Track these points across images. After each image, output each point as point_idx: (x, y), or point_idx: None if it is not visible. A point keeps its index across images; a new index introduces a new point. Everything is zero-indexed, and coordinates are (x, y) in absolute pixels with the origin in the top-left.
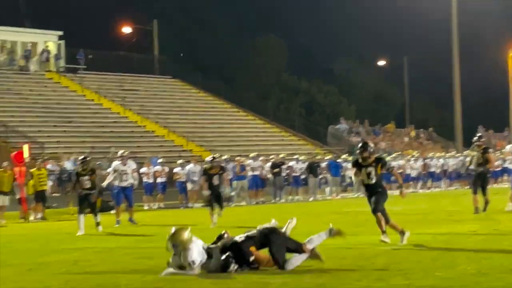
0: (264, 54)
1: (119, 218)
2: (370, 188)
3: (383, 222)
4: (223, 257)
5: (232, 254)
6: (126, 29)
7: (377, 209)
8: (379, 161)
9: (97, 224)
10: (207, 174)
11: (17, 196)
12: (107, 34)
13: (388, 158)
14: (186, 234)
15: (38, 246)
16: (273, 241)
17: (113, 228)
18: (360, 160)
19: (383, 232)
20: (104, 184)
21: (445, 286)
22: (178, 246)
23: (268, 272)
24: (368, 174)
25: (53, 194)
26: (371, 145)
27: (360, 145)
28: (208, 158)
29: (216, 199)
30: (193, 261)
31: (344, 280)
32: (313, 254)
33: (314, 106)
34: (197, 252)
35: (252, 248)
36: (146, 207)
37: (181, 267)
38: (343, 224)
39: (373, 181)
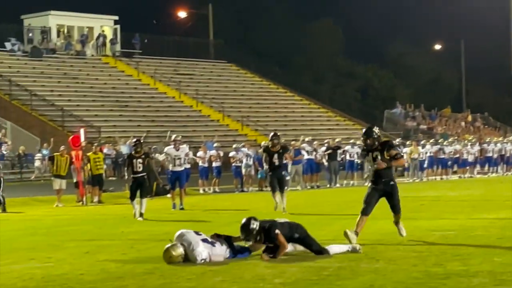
0: (319, 38)
1: (175, 202)
2: (377, 176)
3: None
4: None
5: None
6: (182, 14)
7: (398, 209)
8: (385, 145)
9: (140, 214)
10: (267, 151)
11: (74, 180)
12: (163, 19)
13: (445, 143)
14: (173, 252)
15: (95, 229)
16: (302, 232)
17: (170, 212)
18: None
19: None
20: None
21: (503, 271)
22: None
23: (322, 257)
24: (375, 159)
25: (109, 178)
26: (376, 130)
27: (364, 131)
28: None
29: (277, 181)
30: (202, 259)
31: (401, 266)
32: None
33: (369, 90)
34: (201, 248)
35: (279, 233)
36: (201, 191)
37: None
38: None
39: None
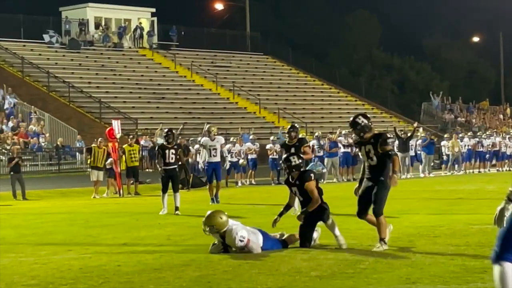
0: (356, 30)
1: (213, 196)
2: (371, 172)
3: (383, 228)
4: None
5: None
6: (218, 6)
7: (379, 211)
8: (379, 138)
9: (176, 208)
10: (284, 147)
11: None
12: (200, 11)
13: (483, 136)
14: (221, 217)
15: (132, 221)
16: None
17: (207, 204)
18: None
19: (382, 239)
20: (201, 160)
21: None
22: (213, 228)
23: (358, 251)
24: (367, 153)
25: (147, 170)
26: (361, 120)
27: (351, 121)
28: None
29: None
30: (242, 236)
31: (438, 259)
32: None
33: (406, 83)
34: (242, 228)
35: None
36: (238, 184)
37: (226, 249)
38: (436, 202)
39: (374, 161)
